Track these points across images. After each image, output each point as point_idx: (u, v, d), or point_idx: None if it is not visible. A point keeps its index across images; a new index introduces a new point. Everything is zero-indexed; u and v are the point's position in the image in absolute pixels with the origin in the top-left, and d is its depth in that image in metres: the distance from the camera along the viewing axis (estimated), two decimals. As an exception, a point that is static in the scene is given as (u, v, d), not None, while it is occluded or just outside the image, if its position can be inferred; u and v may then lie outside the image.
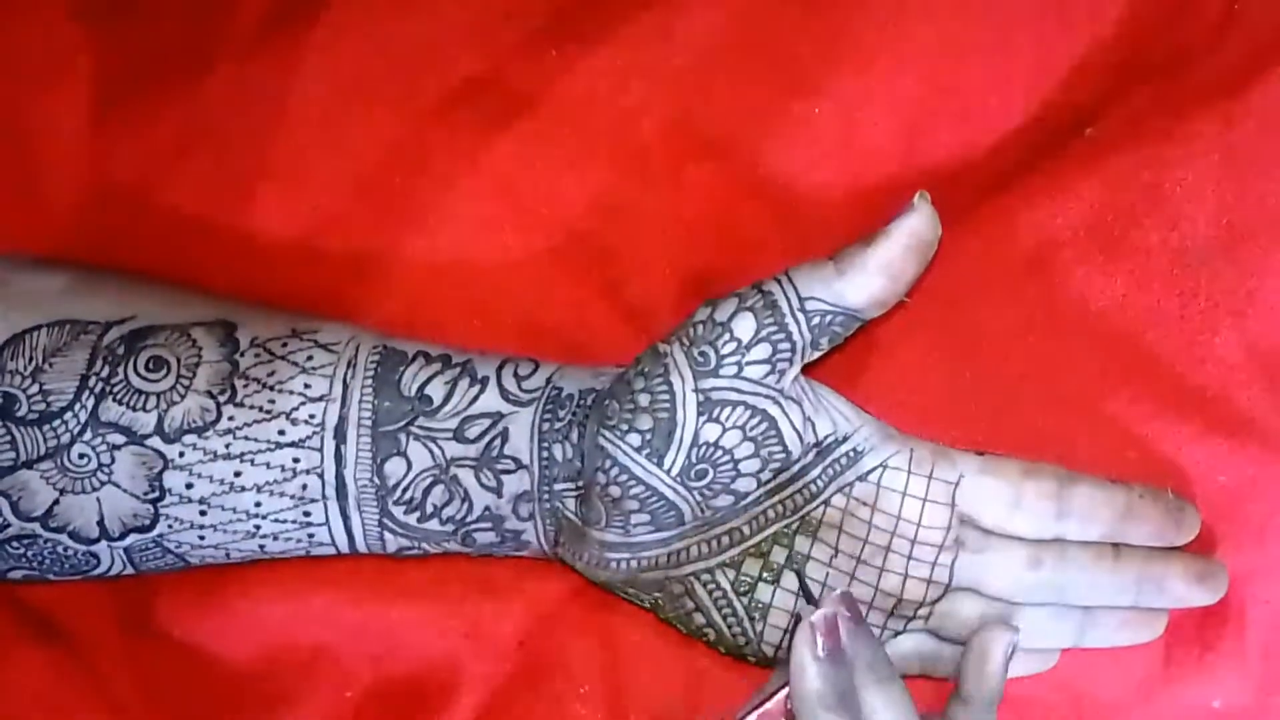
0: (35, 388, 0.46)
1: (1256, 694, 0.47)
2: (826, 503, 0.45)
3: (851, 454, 0.45)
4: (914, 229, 0.43)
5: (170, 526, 0.47)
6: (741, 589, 0.45)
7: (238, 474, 0.47)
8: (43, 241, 0.53)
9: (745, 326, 0.44)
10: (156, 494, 0.47)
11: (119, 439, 0.46)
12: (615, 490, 0.45)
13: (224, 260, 0.53)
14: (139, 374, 0.47)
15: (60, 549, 0.48)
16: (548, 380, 0.47)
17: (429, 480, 0.47)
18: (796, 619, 0.43)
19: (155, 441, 0.46)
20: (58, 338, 0.47)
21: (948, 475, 0.45)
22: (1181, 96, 0.48)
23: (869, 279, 0.43)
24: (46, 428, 0.46)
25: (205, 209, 0.53)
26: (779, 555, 0.45)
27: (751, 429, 0.44)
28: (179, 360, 0.47)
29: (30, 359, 0.47)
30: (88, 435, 0.46)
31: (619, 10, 0.52)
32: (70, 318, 0.47)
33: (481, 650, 0.50)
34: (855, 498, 0.45)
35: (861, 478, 0.45)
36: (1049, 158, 0.49)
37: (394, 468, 0.47)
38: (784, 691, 0.41)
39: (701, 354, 0.44)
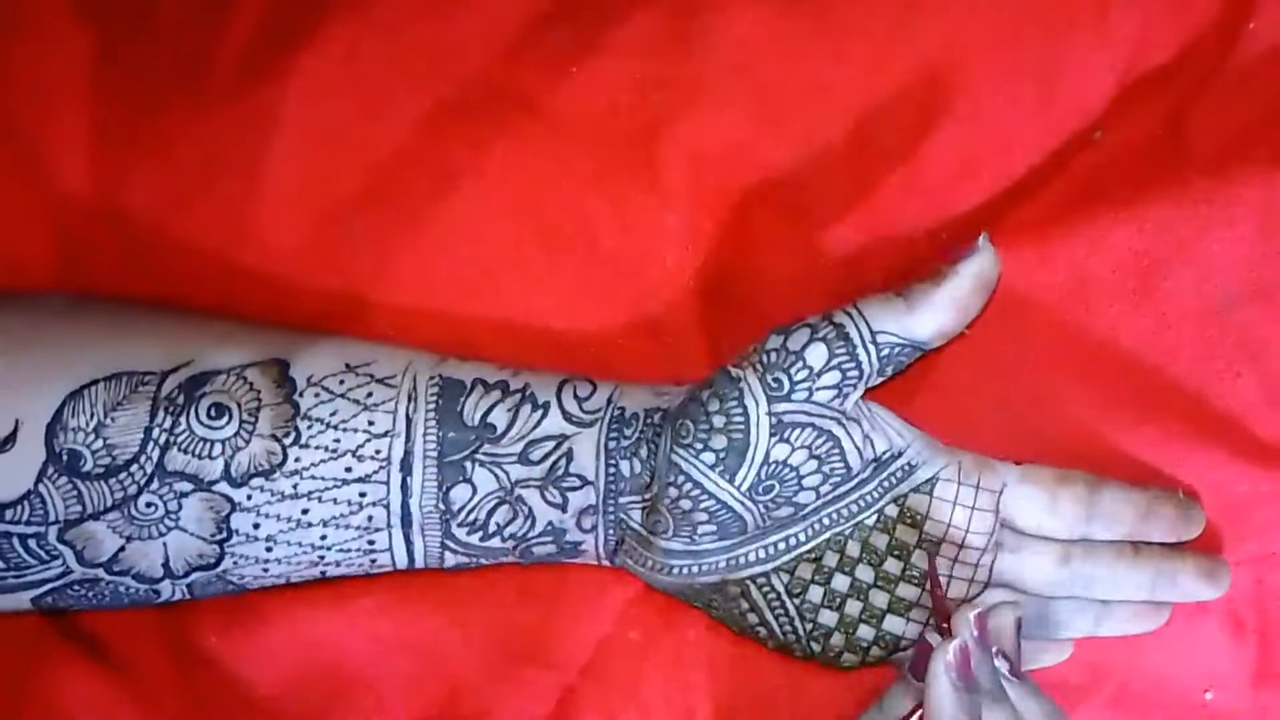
0: (99, 443, 0.46)
1: (1250, 685, 0.51)
2: (880, 511, 0.48)
3: (906, 468, 0.48)
4: (980, 269, 0.46)
5: (235, 563, 0.48)
6: (794, 590, 0.48)
7: (305, 511, 0.48)
8: (46, 266, 0.52)
9: (818, 355, 0.46)
10: (224, 535, 0.47)
11: (186, 487, 0.47)
12: (686, 504, 0.47)
13: (241, 282, 0.52)
14: (201, 422, 0.47)
15: (122, 588, 0.48)
16: (609, 400, 0.49)
17: (494, 502, 0.48)
18: (921, 639, 0.46)
19: (223, 487, 0.47)
20: (116, 391, 0.47)
21: (992, 484, 0.49)
22: (1204, 130, 0.50)
23: (938, 315, 0.46)
24: (113, 481, 0.46)
25: (219, 229, 0.52)
26: (831, 559, 0.48)
27: (817, 448, 0.47)
28: (240, 405, 0.47)
29: (91, 415, 0.46)
30: (154, 485, 0.46)
31: (636, 22, 0.52)
32: (125, 369, 0.47)
33: (529, 666, 0.52)
34: (908, 507, 0.48)
35: (915, 490, 0.48)
36: (1082, 192, 0.51)
37: (459, 494, 0.48)
38: (916, 716, 0.43)
39: (775, 380, 0.46)
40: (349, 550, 0.49)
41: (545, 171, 0.52)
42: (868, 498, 0.48)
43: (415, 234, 0.52)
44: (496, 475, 0.48)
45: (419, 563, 0.50)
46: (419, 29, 0.52)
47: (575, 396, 0.49)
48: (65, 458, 0.46)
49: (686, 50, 0.51)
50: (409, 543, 0.49)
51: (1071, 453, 0.50)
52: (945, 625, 0.45)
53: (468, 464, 0.48)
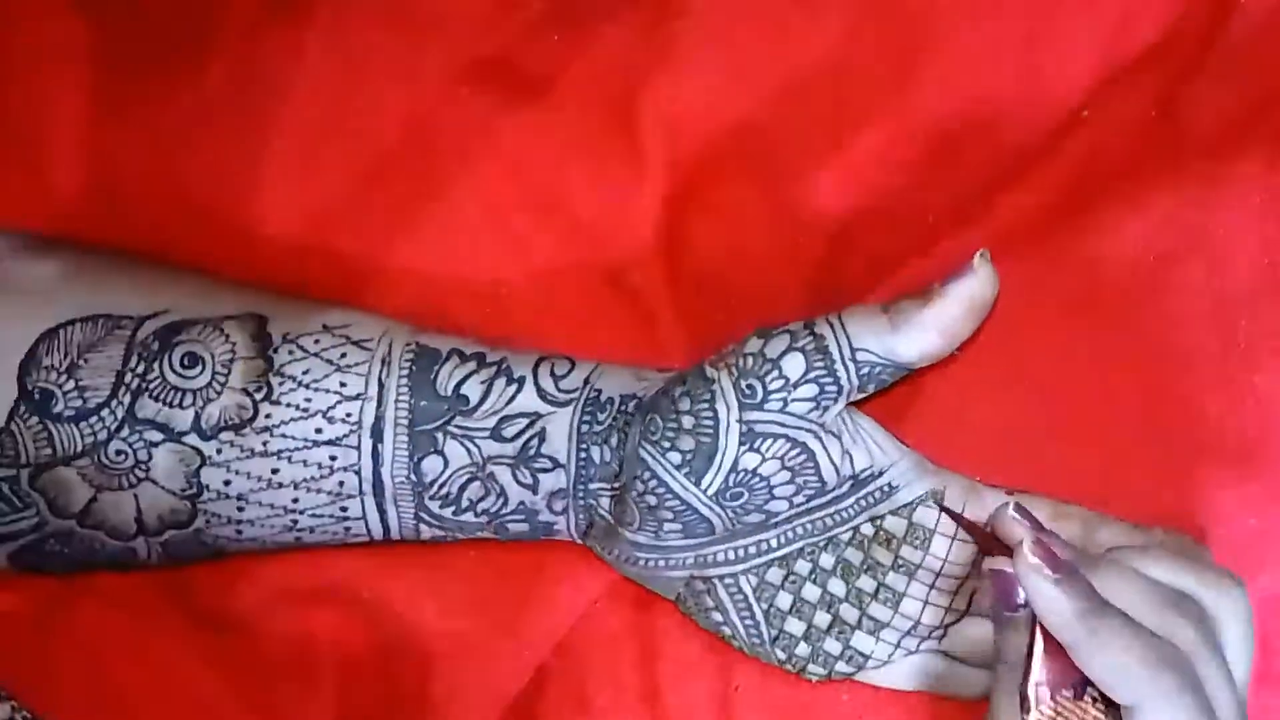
0: (71, 384, 0.46)
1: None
2: (856, 529, 0.46)
3: (886, 488, 0.46)
4: (973, 292, 0.43)
5: (208, 522, 0.48)
6: (762, 595, 0.47)
7: (275, 470, 0.47)
8: (45, 227, 0.52)
9: (794, 366, 0.44)
10: (194, 490, 0.47)
11: (156, 436, 0.46)
12: (651, 499, 0.45)
13: (231, 249, 0.52)
14: (175, 370, 0.47)
15: (97, 545, 0.48)
16: (585, 381, 0.48)
17: (465, 477, 0.47)
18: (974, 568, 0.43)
19: (192, 439, 0.47)
20: (91, 333, 0.47)
21: (978, 515, 0.45)
22: (1199, 109, 0.48)
23: (922, 338, 0.44)
24: (84, 424, 0.46)
25: (210, 196, 0.52)
26: (802, 568, 0.46)
27: (790, 460, 0.45)
28: (214, 356, 0.47)
29: (65, 354, 0.46)
30: (125, 432, 0.46)
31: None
32: (103, 311, 0.47)
33: (503, 642, 0.51)
34: (885, 529, 0.46)
35: (894, 512, 0.46)
36: (1076, 179, 0.49)
37: (431, 465, 0.47)
38: (1038, 640, 0.38)
39: (749, 386, 0.44)
40: (321, 516, 0.48)
41: (522, 138, 0.51)
42: (843, 514, 0.46)
43: (404, 202, 0.52)
44: (468, 449, 0.47)
45: (394, 534, 0.49)
46: (404, 6, 0.52)
47: (552, 374, 0.48)
48: (37, 396, 0.46)
49: (662, 13, 0.51)
50: (383, 512, 0.48)
51: (1076, 475, 0.47)
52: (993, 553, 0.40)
53: (439, 435, 0.47)
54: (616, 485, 0.46)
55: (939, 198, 0.49)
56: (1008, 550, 0.38)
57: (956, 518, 0.43)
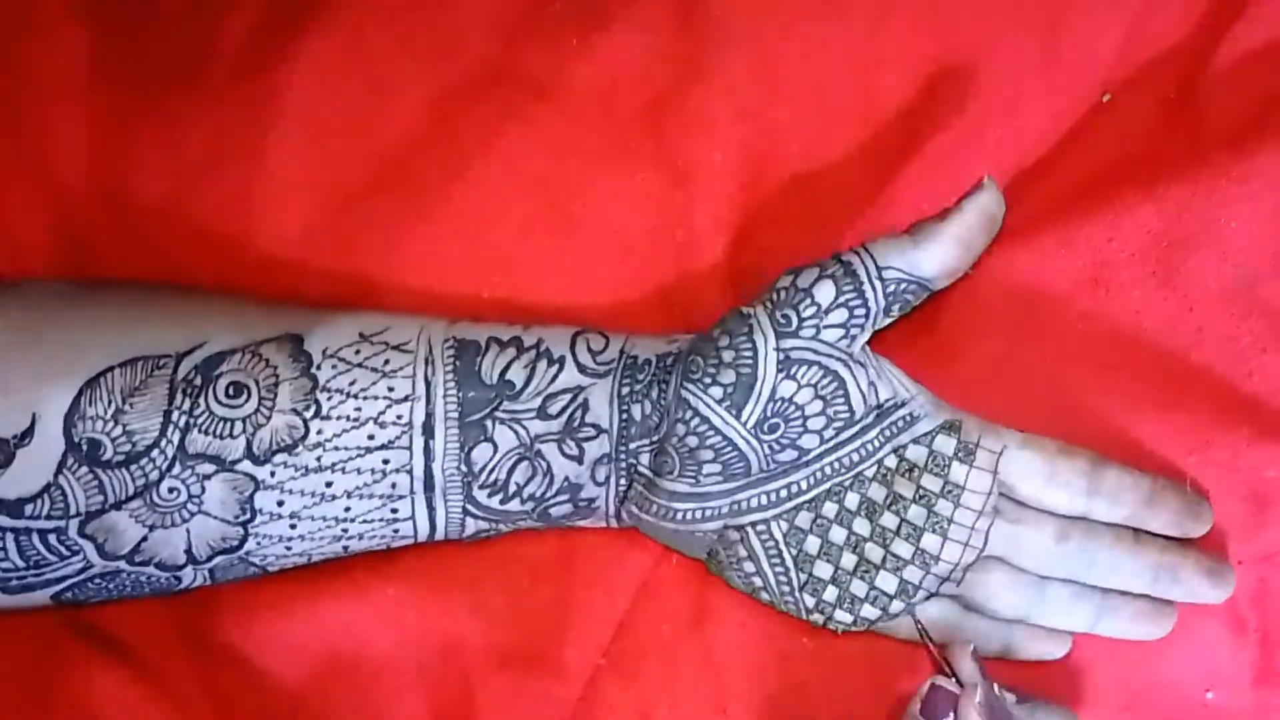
0: (118, 430, 0.45)
1: (1250, 685, 0.49)
2: (880, 462, 0.49)
3: (908, 418, 0.49)
4: (984, 205, 0.48)
5: (259, 544, 0.48)
6: (791, 540, 0.49)
7: (329, 484, 0.47)
8: (49, 258, 0.51)
9: (825, 292, 0.48)
10: (247, 516, 0.47)
11: (209, 468, 0.46)
12: (693, 440, 0.48)
13: (248, 268, 0.51)
14: (220, 402, 0.46)
15: (144, 578, 0.47)
16: (621, 351, 0.50)
17: (514, 460, 0.49)
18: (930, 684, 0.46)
19: (245, 466, 0.46)
20: (132, 376, 0.46)
21: (993, 445, 0.48)
22: (1219, 96, 0.50)
23: (943, 249, 0.47)
24: (134, 467, 0.46)
25: (224, 215, 0.51)
26: (829, 510, 0.49)
27: (823, 388, 0.48)
28: (258, 383, 0.47)
29: (109, 402, 0.45)
30: (176, 469, 0.46)
31: (636, -3, 0.52)
32: (140, 354, 0.46)
33: (552, 648, 0.51)
34: (907, 459, 0.49)
35: (916, 440, 0.49)
36: (1097, 171, 0.50)
37: (481, 453, 0.48)
38: None
39: (784, 316, 0.48)
40: (372, 521, 0.48)
41: (551, 151, 0.52)
42: (869, 446, 0.49)
43: (424, 217, 0.52)
44: (517, 432, 0.49)
45: (440, 531, 0.50)
46: (422, 12, 0.52)
47: (589, 350, 0.50)
48: (85, 447, 0.45)
49: (687, 22, 0.51)
50: (431, 509, 0.49)
51: (1091, 444, 0.49)
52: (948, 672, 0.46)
53: (488, 422, 0.48)
54: (656, 438, 0.49)
55: (965, 180, 0.50)
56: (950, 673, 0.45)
57: (923, 633, 0.48)
